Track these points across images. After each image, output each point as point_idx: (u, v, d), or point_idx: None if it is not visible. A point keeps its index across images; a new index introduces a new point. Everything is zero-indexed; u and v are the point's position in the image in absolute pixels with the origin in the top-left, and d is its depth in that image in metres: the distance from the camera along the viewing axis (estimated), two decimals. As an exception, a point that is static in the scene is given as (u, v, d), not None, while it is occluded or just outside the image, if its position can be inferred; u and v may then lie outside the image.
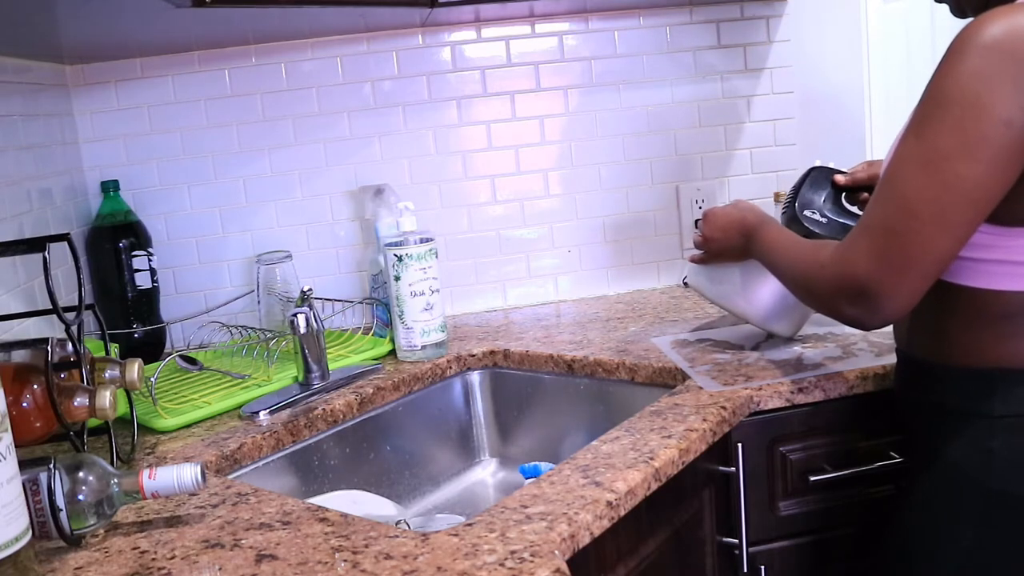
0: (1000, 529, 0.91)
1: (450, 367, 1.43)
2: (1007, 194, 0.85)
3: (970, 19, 0.86)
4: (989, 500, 0.92)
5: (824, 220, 1.34)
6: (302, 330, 1.27)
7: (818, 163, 1.38)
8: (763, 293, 1.27)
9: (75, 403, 0.96)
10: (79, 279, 1.06)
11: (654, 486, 0.94)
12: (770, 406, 1.14)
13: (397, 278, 1.39)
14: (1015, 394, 0.90)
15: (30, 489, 0.80)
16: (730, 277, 1.31)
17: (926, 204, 0.86)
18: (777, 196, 1.74)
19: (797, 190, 1.36)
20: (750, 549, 1.14)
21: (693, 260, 1.36)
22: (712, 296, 1.37)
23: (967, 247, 0.89)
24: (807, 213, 1.34)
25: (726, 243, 1.26)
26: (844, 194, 1.35)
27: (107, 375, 1.04)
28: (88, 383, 1.01)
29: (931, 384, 0.98)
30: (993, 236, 0.88)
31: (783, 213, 1.38)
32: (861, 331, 1.31)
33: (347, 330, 1.57)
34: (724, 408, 1.08)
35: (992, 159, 0.83)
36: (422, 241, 1.40)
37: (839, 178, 1.33)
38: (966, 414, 0.93)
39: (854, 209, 1.36)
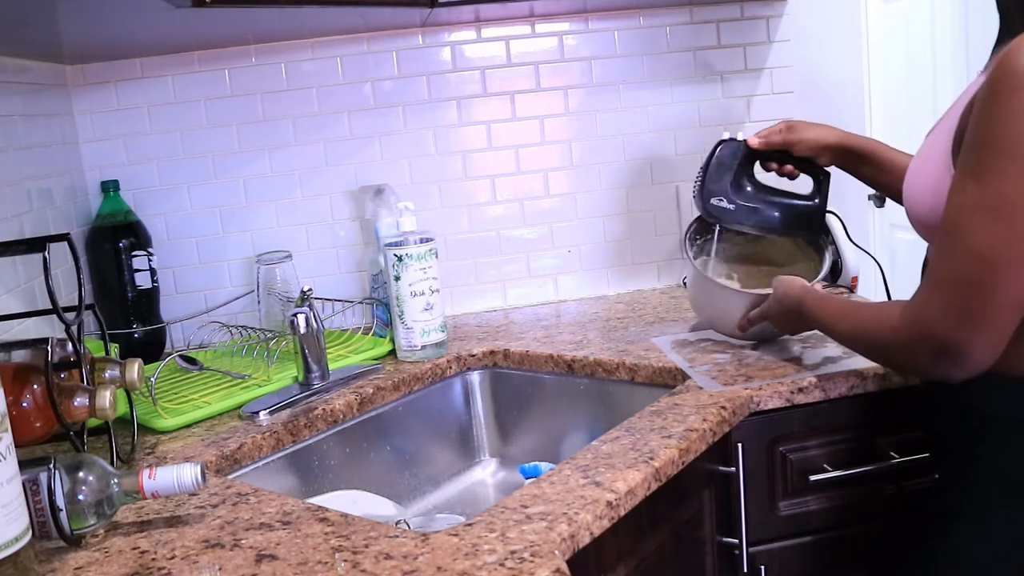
0: None
1: (450, 367, 1.43)
2: None
3: (1005, 49, 0.81)
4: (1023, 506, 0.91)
5: (732, 207, 1.29)
6: (302, 330, 1.27)
7: (726, 135, 1.33)
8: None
9: (75, 403, 0.96)
10: (79, 279, 1.06)
11: (654, 486, 0.94)
12: (770, 406, 1.13)
13: (397, 278, 1.39)
14: None
15: (30, 489, 0.80)
16: (719, 304, 1.31)
17: (1001, 254, 0.82)
18: None
19: (704, 174, 1.31)
20: (750, 549, 1.14)
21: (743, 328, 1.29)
22: (702, 318, 1.37)
23: None
24: (714, 201, 1.29)
25: (787, 325, 1.21)
26: (758, 162, 1.30)
27: (107, 375, 1.04)
28: (88, 383, 1.01)
29: (964, 389, 0.95)
30: None
31: (694, 199, 1.34)
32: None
33: (347, 330, 1.57)
34: (724, 408, 1.08)
35: None
36: (422, 241, 1.40)
37: (752, 140, 1.28)
38: (1002, 419, 0.92)
39: (764, 179, 1.31)
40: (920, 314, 0.89)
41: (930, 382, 1.04)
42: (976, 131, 0.83)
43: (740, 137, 1.32)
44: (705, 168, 1.32)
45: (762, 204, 1.31)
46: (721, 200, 1.29)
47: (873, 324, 0.98)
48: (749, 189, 1.30)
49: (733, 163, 1.29)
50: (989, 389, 0.93)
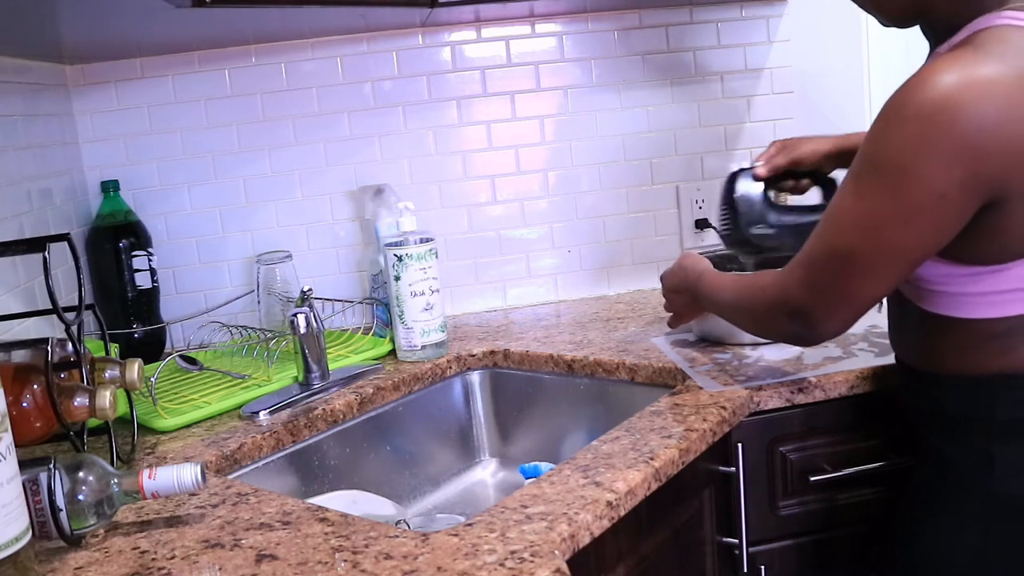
0: (1005, 532, 0.92)
1: (450, 367, 1.43)
2: (985, 240, 0.86)
3: (908, 78, 0.85)
4: (993, 504, 0.92)
5: (773, 231, 1.31)
6: (302, 330, 1.27)
7: (734, 167, 1.34)
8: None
9: (75, 403, 0.96)
10: (79, 279, 1.06)
11: (654, 486, 0.94)
12: (770, 406, 1.14)
13: (397, 278, 1.39)
14: (1015, 399, 0.91)
15: (30, 489, 0.80)
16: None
17: (859, 258, 0.89)
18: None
19: (732, 207, 1.31)
20: (750, 549, 1.14)
21: (671, 325, 1.36)
22: (697, 333, 1.38)
23: (955, 284, 0.90)
24: (754, 231, 1.31)
25: (684, 301, 1.29)
26: (768, 188, 1.31)
27: (107, 375, 1.04)
28: (88, 383, 1.01)
29: (932, 391, 0.98)
30: (980, 276, 0.88)
31: (726, 236, 1.33)
32: (847, 334, 1.27)
33: (347, 330, 1.57)
34: (724, 408, 1.08)
35: (927, 227, 0.85)
36: (422, 241, 1.40)
37: (759, 171, 1.29)
38: (968, 420, 0.94)
39: (784, 199, 1.33)
40: (785, 281, 0.97)
41: (903, 386, 1.06)
42: (865, 144, 0.87)
43: (747, 166, 1.33)
44: (730, 203, 1.32)
45: (793, 223, 1.33)
46: (760, 227, 1.31)
47: (750, 290, 1.06)
48: (775, 212, 1.33)
49: (756, 190, 1.31)
50: (949, 391, 0.95)
